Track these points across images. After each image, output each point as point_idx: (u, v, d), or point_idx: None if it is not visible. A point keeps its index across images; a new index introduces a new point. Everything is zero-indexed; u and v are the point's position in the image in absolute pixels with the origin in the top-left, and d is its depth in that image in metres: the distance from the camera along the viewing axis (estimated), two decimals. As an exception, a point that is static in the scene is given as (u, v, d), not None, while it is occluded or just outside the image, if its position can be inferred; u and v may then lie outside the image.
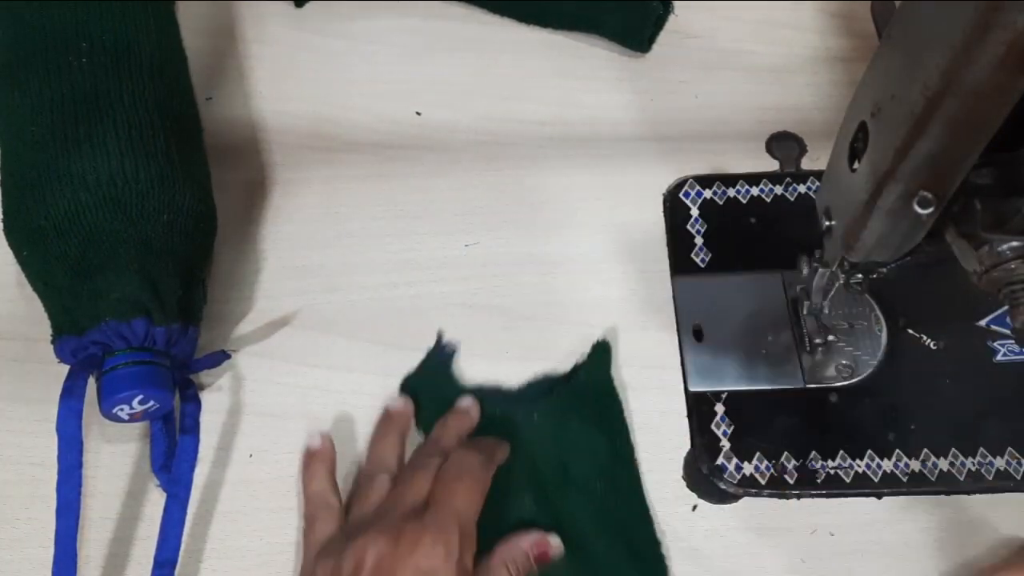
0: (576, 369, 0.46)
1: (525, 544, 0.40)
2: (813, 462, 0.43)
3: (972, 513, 0.43)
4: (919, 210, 0.30)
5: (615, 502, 0.43)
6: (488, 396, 0.46)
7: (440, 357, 0.47)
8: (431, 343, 0.48)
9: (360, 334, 0.48)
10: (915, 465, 0.43)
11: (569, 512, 0.42)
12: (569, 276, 0.50)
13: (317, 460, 0.43)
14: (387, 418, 0.45)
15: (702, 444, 0.44)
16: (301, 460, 0.44)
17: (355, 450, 0.45)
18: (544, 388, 0.46)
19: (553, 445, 0.44)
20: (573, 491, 0.43)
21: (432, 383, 0.47)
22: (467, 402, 0.45)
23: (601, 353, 0.46)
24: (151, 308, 0.42)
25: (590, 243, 0.51)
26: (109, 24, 0.46)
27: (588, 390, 0.45)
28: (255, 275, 0.50)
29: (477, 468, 0.41)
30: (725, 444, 0.44)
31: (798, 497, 0.43)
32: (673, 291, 0.48)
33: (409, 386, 0.47)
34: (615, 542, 0.42)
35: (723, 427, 0.44)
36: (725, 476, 0.43)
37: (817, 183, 0.51)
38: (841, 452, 0.43)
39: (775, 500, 0.43)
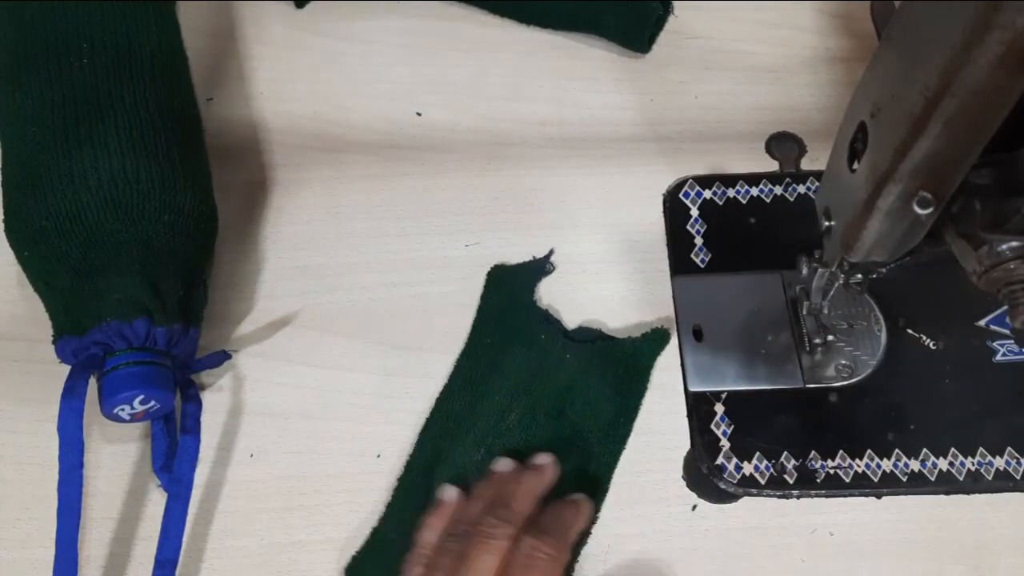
0: (627, 339, 0.48)
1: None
2: (813, 462, 0.43)
3: (972, 513, 0.43)
4: (919, 210, 0.30)
5: (585, 464, 0.45)
6: (543, 320, 0.48)
7: (537, 268, 0.50)
8: (432, 343, 0.48)
9: (360, 334, 0.48)
10: (915, 465, 0.43)
11: (543, 442, 0.45)
12: (569, 276, 0.50)
13: (438, 514, 0.42)
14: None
15: (702, 444, 0.44)
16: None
17: (355, 449, 0.45)
18: (591, 336, 0.48)
19: (566, 384, 0.46)
20: (558, 430, 0.45)
21: (514, 281, 0.49)
22: (545, 458, 0.44)
23: (656, 338, 0.48)
24: (152, 308, 0.42)
25: (590, 243, 0.51)
26: (110, 25, 0.46)
27: (625, 359, 0.47)
28: (256, 275, 0.50)
29: (548, 563, 0.39)
30: (725, 444, 0.44)
31: (798, 497, 0.43)
32: (673, 291, 0.48)
33: (496, 275, 0.50)
34: (562, 492, 0.44)
35: (723, 427, 0.44)
36: (725, 476, 0.43)
37: (817, 183, 0.51)
38: (841, 452, 0.43)
39: (775, 500, 0.43)
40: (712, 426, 0.44)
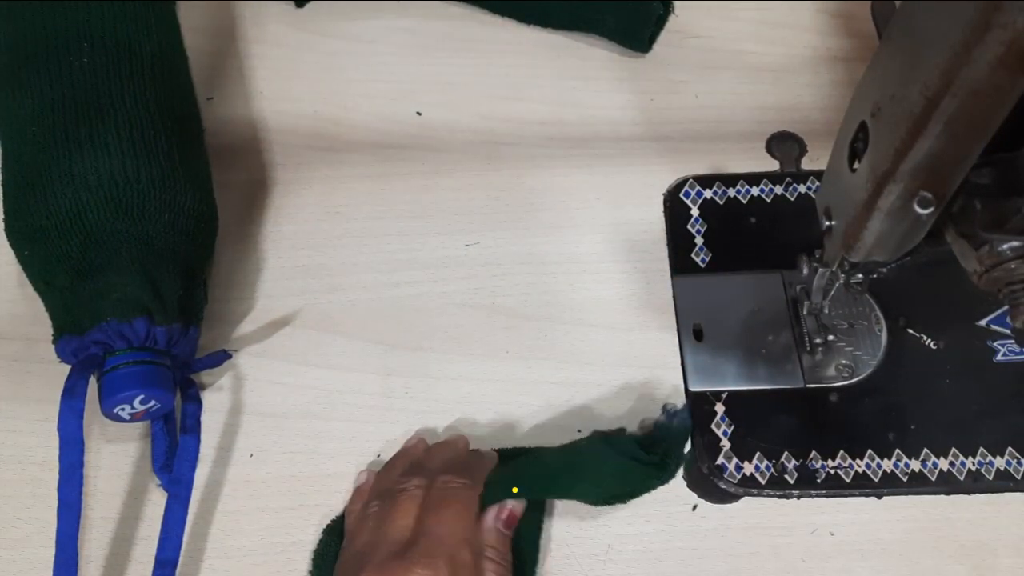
0: (635, 466, 0.42)
1: (490, 522, 0.40)
2: (813, 462, 0.43)
3: (972, 513, 0.43)
4: (919, 210, 0.30)
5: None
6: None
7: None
8: (432, 343, 0.48)
9: (360, 334, 0.48)
10: (915, 465, 0.43)
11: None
12: (569, 276, 0.50)
13: (355, 499, 0.44)
14: (401, 453, 0.45)
15: (702, 444, 0.44)
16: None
17: (355, 449, 0.45)
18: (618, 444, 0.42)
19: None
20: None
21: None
22: (457, 436, 0.45)
23: (663, 468, 0.42)
24: (152, 308, 0.42)
25: (590, 243, 0.51)
26: (110, 24, 0.46)
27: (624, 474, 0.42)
28: (256, 275, 0.50)
29: (462, 490, 0.40)
30: (725, 444, 0.44)
31: (798, 497, 0.43)
32: (673, 291, 0.48)
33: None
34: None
35: (723, 427, 0.44)
36: (725, 476, 0.43)
37: (817, 183, 0.51)
38: (841, 452, 0.43)
39: (775, 500, 0.43)
40: (712, 426, 0.44)
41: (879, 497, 0.43)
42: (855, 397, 0.45)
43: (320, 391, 0.47)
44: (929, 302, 0.47)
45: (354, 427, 0.46)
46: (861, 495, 0.43)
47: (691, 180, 0.52)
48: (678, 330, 0.47)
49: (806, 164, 0.52)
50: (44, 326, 0.44)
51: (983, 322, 0.46)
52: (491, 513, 0.41)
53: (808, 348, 0.45)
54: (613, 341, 0.48)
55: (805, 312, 0.45)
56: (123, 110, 0.44)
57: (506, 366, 0.47)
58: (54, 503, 0.40)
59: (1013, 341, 0.45)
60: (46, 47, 0.45)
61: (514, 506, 0.41)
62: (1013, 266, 0.31)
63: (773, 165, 0.52)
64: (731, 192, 0.51)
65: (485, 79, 0.57)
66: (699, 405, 0.45)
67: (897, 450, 0.43)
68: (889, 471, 0.43)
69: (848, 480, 0.43)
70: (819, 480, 0.43)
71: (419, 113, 0.56)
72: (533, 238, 0.51)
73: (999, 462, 0.43)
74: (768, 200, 0.51)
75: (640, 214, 0.51)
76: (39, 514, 0.44)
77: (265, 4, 0.60)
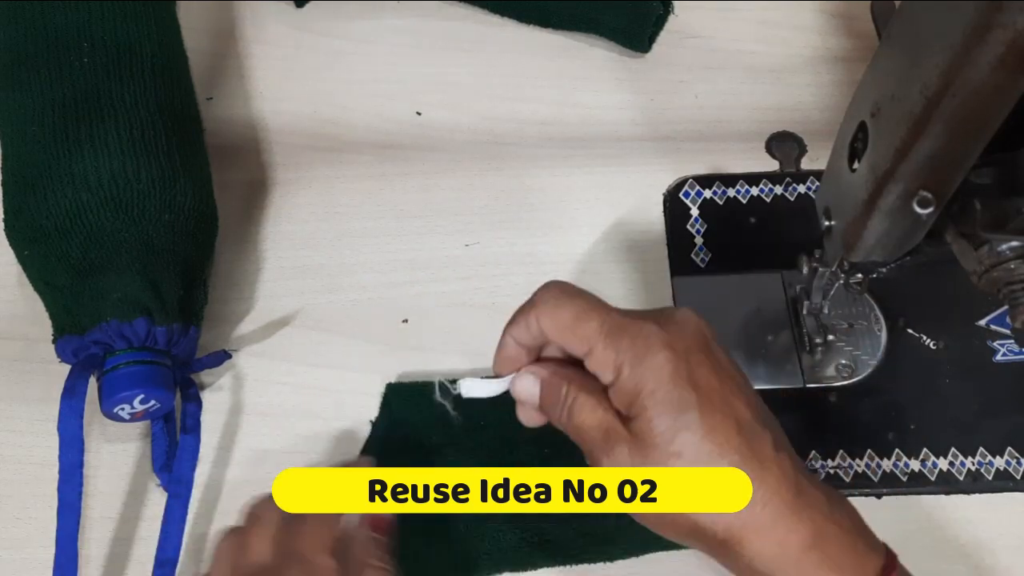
0: None
1: (359, 529, 0.36)
2: (813, 462, 0.43)
3: (971, 513, 0.43)
4: (919, 210, 0.30)
5: None
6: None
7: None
8: (432, 343, 0.48)
9: (360, 334, 0.48)
10: (915, 465, 0.43)
11: None
12: (569, 276, 0.50)
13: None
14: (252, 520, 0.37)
15: (702, 444, 0.44)
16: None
17: (355, 450, 0.45)
18: None
19: None
20: None
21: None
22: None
23: None
24: (152, 308, 0.42)
25: (590, 243, 0.51)
26: (110, 24, 0.46)
27: None
28: (255, 275, 0.50)
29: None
30: (725, 444, 0.44)
31: (798, 497, 0.43)
32: (673, 291, 0.48)
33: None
34: None
35: (723, 427, 0.44)
36: (725, 476, 0.43)
37: (817, 183, 0.51)
38: (841, 452, 0.43)
39: (775, 500, 0.43)
40: (712, 426, 0.44)
41: (879, 497, 0.43)
42: (855, 397, 0.45)
43: (320, 391, 0.47)
44: (929, 302, 0.47)
45: (354, 427, 0.46)
46: (860, 495, 0.43)
47: (691, 180, 0.52)
48: (678, 330, 0.47)
49: (806, 164, 0.52)
50: (45, 326, 0.44)
51: (983, 322, 0.46)
52: (354, 521, 0.35)
53: (808, 348, 0.45)
54: (613, 341, 0.48)
55: (805, 312, 0.45)
56: (123, 110, 0.44)
57: (506, 366, 0.47)
58: (54, 503, 0.40)
59: (1013, 341, 0.45)
60: (46, 47, 0.45)
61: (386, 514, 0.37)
62: (1013, 266, 0.31)
63: (773, 165, 0.52)
64: (731, 192, 0.51)
65: (485, 79, 0.57)
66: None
67: (897, 450, 0.43)
68: (889, 471, 0.43)
69: (848, 480, 0.43)
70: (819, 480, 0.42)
71: (419, 113, 0.56)
72: (533, 238, 0.51)
73: (999, 462, 0.43)
74: (768, 200, 0.51)
75: (640, 214, 0.51)
76: (39, 514, 0.44)
77: (265, 4, 0.60)
